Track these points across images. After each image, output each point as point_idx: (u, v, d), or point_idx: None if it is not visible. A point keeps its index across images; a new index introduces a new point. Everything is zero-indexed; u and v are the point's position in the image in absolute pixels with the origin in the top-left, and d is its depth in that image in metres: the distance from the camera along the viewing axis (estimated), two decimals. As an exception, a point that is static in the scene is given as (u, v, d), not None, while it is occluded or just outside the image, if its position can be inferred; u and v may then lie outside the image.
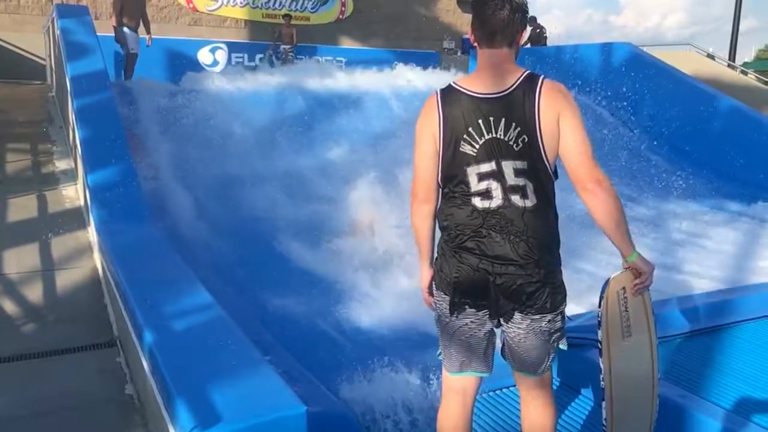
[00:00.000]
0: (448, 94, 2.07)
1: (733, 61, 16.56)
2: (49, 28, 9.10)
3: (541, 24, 13.90)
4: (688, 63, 12.85)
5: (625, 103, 10.28)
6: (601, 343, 2.15)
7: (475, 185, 2.01)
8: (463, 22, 17.13)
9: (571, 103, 1.97)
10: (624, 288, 2.14)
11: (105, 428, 2.78)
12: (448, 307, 2.10)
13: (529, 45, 13.12)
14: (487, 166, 1.99)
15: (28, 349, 3.40)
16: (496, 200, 1.99)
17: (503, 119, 1.96)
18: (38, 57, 11.29)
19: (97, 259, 4.46)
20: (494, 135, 1.98)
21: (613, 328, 2.15)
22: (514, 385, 3.18)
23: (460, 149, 2.01)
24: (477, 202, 2.02)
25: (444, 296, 2.10)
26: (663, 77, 10.20)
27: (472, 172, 2.01)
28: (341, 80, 10.21)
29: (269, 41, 13.34)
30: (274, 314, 4.37)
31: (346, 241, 5.60)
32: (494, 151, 1.98)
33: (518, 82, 1.98)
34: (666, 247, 5.97)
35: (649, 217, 7.16)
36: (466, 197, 2.03)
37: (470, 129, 2.00)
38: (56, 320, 3.76)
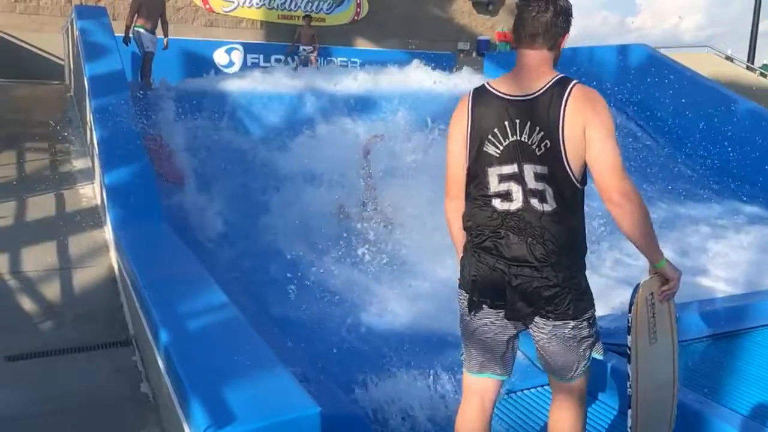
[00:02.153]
0: (480, 94, 2.08)
1: (752, 63, 16.40)
2: (68, 28, 9.19)
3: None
4: (706, 65, 12.74)
5: (641, 106, 10.20)
6: (630, 349, 2.14)
7: (495, 186, 2.02)
8: (477, 23, 17.09)
9: (601, 112, 1.92)
10: (652, 293, 2.13)
11: (120, 426, 2.80)
12: (467, 306, 2.11)
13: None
14: (509, 168, 1.99)
15: (44, 347, 3.43)
16: (516, 203, 1.99)
17: (528, 123, 1.95)
18: (57, 57, 11.41)
19: (114, 257, 4.49)
20: (518, 138, 1.97)
21: (641, 334, 2.15)
22: (532, 388, 3.19)
23: (484, 149, 2.02)
24: (497, 203, 2.02)
25: (465, 294, 2.12)
26: (680, 79, 10.10)
27: (493, 173, 2.01)
28: (356, 81, 10.21)
29: (288, 42, 13.38)
30: (287, 315, 4.38)
31: (359, 244, 5.59)
32: (517, 153, 1.97)
33: (548, 85, 1.96)
34: (684, 250, 5.91)
35: (666, 221, 7.08)
36: (486, 198, 2.04)
37: (495, 130, 2.00)
38: (72, 318, 3.78)
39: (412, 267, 5.32)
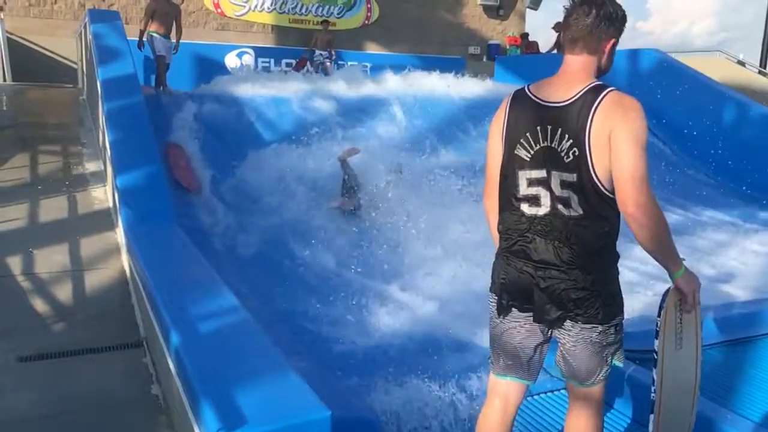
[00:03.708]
0: (518, 97, 2.09)
1: (764, 68, 16.25)
2: (81, 32, 9.26)
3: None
4: (717, 69, 12.65)
5: (653, 111, 10.14)
6: (656, 354, 2.14)
7: (524, 190, 2.03)
8: (488, 28, 17.08)
9: (631, 118, 1.88)
10: (681, 299, 2.12)
11: (130, 428, 2.80)
12: (496, 309, 2.12)
13: (555, 51, 13.04)
14: (538, 174, 2.00)
15: (55, 348, 3.44)
16: (544, 208, 2.00)
17: (559, 129, 1.95)
18: (70, 61, 11.52)
19: (125, 260, 4.51)
20: (548, 144, 1.97)
21: (669, 339, 2.14)
22: (549, 392, 3.17)
23: (515, 152, 2.03)
24: (525, 207, 2.04)
25: (495, 298, 2.13)
26: (691, 84, 10.04)
27: (523, 176, 2.03)
28: (365, 86, 10.22)
29: (300, 47, 13.42)
30: (297, 317, 4.38)
31: (369, 247, 5.60)
32: (546, 160, 1.98)
33: (581, 93, 1.94)
34: (697, 256, 5.86)
35: (678, 227, 7.04)
36: (515, 201, 2.05)
37: (528, 134, 2.01)
38: (84, 320, 3.80)
39: (418, 269, 5.31)
